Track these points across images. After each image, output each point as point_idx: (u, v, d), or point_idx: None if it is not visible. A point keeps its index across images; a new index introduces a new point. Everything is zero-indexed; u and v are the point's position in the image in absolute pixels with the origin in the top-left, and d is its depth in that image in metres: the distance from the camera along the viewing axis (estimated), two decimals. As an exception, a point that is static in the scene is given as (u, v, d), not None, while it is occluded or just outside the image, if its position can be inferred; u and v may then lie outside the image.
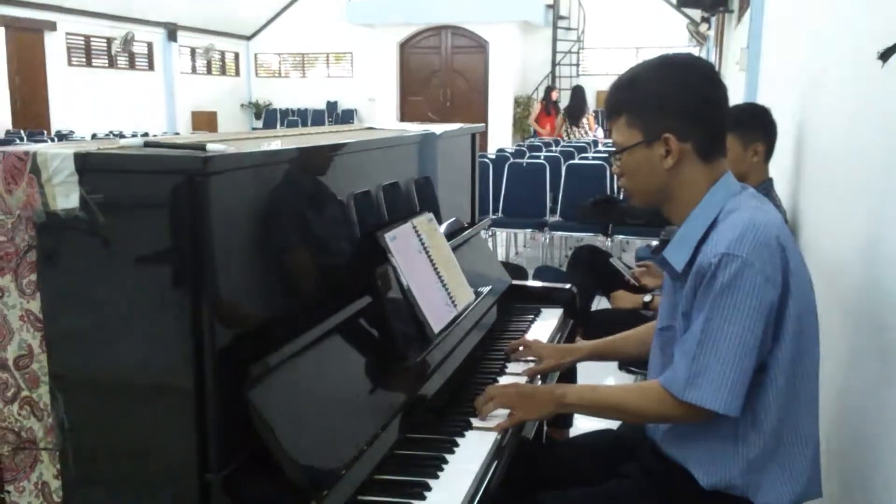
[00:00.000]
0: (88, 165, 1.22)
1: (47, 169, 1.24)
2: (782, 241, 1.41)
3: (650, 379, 1.60)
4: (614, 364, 2.56)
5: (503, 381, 1.90)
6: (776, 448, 1.45)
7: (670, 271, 1.55)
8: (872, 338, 1.70)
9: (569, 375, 2.31)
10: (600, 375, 3.53)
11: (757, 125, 2.67)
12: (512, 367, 1.99)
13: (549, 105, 11.79)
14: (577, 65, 15.70)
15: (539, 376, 1.94)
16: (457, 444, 1.54)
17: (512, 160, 6.95)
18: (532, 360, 2.00)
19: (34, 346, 1.31)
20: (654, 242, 4.46)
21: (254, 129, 18.10)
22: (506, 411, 1.64)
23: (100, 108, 14.72)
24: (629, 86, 1.53)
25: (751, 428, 1.44)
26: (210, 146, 1.24)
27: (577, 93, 10.96)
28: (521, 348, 2.04)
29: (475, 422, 1.62)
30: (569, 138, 10.60)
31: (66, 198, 1.23)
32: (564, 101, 11.78)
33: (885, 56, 1.31)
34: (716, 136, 1.52)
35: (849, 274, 1.94)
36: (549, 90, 12.00)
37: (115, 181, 1.23)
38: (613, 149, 1.58)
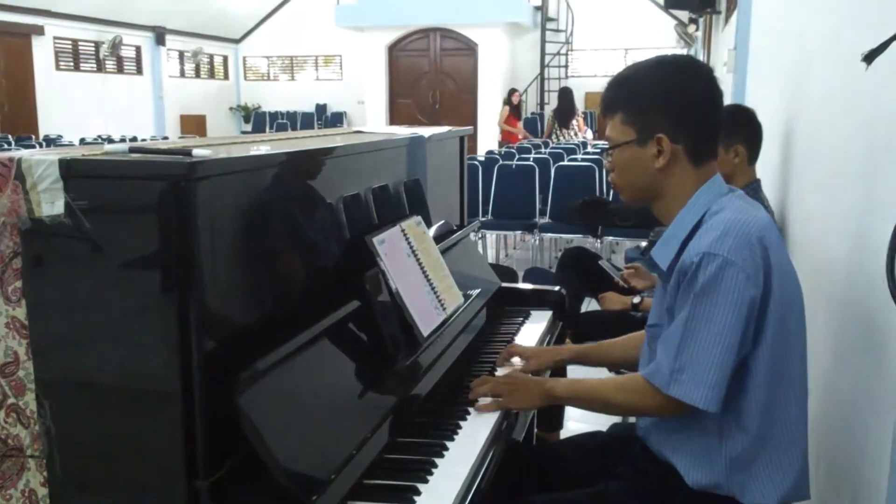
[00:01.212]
0: (73, 172, 1.21)
1: (32, 175, 1.23)
2: (765, 240, 1.41)
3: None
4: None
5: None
6: (762, 447, 1.45)
7: (657, 270, 1.56)
8: (859, 335, 1.71)
9: (560, 374, 2.32)
10: (591, 374, 3.53)
11: (737, 127, 2.65)
12: (501, 370, 1.98)
13: (511, 109, 11.69)
14: (566, 66, 15.72)
15: None
16: (446, 448, 1.53)
17: (501, 162, 6.97)
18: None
19: (20, 353, 1.30)
20: (643, 244, 4.47)
21: (243, 132, 18.05)
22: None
23: (88, 113, 14.65)
24: (626, 84, 1.54)
25: (735, 427, 1.45)
26: (196, 151, 1.23)
27: (566, 95, 10.95)
28: (509, 357, 2.03)
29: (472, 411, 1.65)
30: (558, 140, 10.61)
31: (52, 204, 1.22)
32: (554, 103, 11.75)
33: (869, 58, 1.31)
34: (708, 139, 1.53)
35: (835, 270, 1.95)
36: (510, 93, 11.91)
37: (100, 187, 1.22)
38: (605, 146, 1.60)
